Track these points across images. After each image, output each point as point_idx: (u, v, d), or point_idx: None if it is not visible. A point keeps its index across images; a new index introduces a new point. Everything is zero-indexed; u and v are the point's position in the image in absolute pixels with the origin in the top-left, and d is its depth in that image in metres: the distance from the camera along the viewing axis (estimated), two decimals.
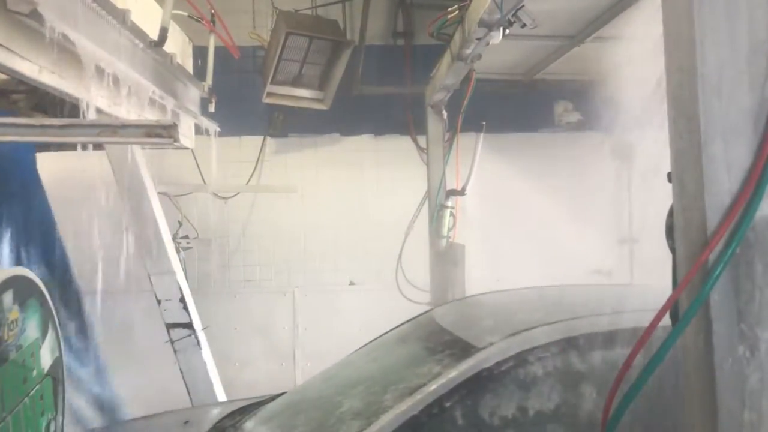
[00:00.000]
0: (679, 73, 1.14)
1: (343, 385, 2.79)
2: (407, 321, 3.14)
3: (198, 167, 5.35)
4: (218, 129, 4.06)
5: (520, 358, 2.27)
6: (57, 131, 1.55)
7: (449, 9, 3.28)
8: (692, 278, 1.12)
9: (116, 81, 2.43)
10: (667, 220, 1.25)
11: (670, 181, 1.23)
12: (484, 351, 2.32)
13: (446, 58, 3.79)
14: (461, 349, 2.43)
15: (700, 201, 1.11)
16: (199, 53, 4.11)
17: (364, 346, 3.22)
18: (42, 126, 1.53)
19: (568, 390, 2.26)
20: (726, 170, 1.11)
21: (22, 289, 1.35)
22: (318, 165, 5.79)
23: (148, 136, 1.49)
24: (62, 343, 1.61)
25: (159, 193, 4.26)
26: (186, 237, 5.03)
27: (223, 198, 5.61)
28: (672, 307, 1.17)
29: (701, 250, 1.11)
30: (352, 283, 5.78)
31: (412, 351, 2.75)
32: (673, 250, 1.23)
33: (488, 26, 2.86)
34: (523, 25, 2.86)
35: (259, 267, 5.73)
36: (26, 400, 1.39)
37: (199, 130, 4.04)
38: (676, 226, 1.19)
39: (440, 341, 2.61)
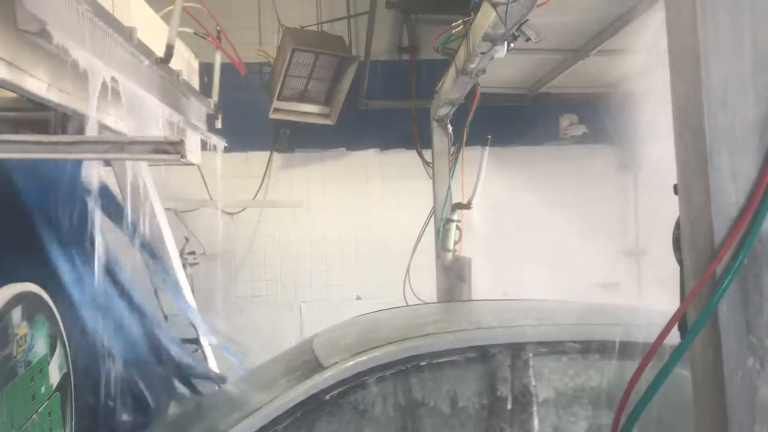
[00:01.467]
0: (683, 85, 1.15)
1: (213, 406, 2.75)
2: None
3: (204, 183, 5.37)
4: (225, 145, 4.07)
5: (358, 380, 2.17)
6: (67, 148, 1.56)
7: (454, 24, 3.30)
8: (700, 290, 1.12)
9: (123, 98, 2.44)
10: (673, 233, 1.25)
11: (676, 193, 1.23)
12: (323, 372, 2.22)
13: (451, 73, 3.80)
14: (311, 369, 2.33)
15: (707, 213, 1.11)
16: (206, 70, 4.14)
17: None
18: (51, 143, 1.54)
19: (406, 413, 2.18)
20: (732, 182, 1.10)
21: (30, 304, 1.35)
22: (324, 180, 5.81)
23: (156, 152, 1.50)
24: (70, 360, 1.62)
25: (166, 208, 4.26)
26: (192, 253, 5.04)
27: (230, 213, 5.63)
28: (680, 319, 1.16)
29: (709, 262, 1.11)
30: (358, 298, 5.77)
31: (276, 371, 2.67)
32: (680, 262, 1.22)
33: (493, 40, 2.87)
34: (528, 39, 2.87)
35: (266, 282, 5.73)
36: (35, 416, 1.39)
37: (205, 146, 4.05)
38: (683, 238, 1.18)
39: (300, 362, 2.53)
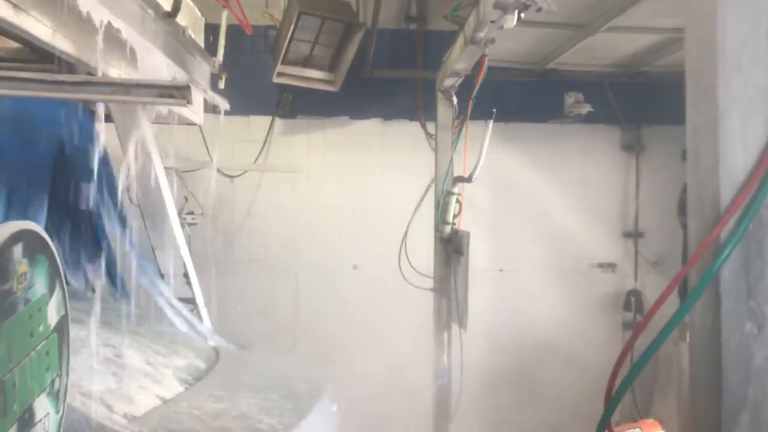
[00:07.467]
0: (699, 46, 1.14)
1: None
2: None
3: (206, 145, 5.34)
4: (228, 107, 4.04)
5: None
6: (72, 88, 1.54)
7: None
8: (703, 254, 1.12)
9: (128, 49, 2.42)
10: (679, 197, 1.25)
11: (684, 159, 1.23)
12: None
13: (459, 42, 3.77)
14: None
15: (715, 177, 1.11)
16: (211, 31, 4.09)
17: None
18: (56, 82, 1.53)
19: None
20: (742, 146, 1.10)
21: (31, 243, 1.35)
22: (325, 147, 5.78)
23: (162, 96, 1.49)
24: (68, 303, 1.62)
25: (166, 167, 4.25)
26: (191, 213, 5.02)
27: (230, 176, 5.61)
28: (681, 282, 1.17)
29: (713, 225, 1.11)
30: (355, 267, 5.77)
31: None
32: (684, 226, 1.23)
33: (504, 8, 2.84)
34: (539, 9, 2.84)
35: (263, 247, 5.73)
36: (32, 354, 1.39)
37: (207, 108, 4.02)
38: (689, 201, 1.18)
39: None
